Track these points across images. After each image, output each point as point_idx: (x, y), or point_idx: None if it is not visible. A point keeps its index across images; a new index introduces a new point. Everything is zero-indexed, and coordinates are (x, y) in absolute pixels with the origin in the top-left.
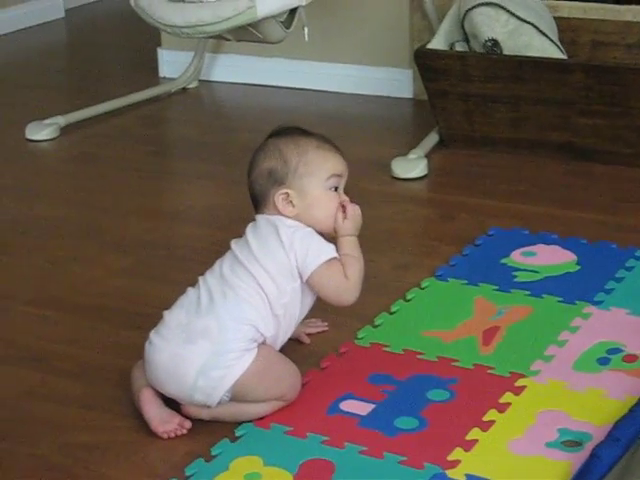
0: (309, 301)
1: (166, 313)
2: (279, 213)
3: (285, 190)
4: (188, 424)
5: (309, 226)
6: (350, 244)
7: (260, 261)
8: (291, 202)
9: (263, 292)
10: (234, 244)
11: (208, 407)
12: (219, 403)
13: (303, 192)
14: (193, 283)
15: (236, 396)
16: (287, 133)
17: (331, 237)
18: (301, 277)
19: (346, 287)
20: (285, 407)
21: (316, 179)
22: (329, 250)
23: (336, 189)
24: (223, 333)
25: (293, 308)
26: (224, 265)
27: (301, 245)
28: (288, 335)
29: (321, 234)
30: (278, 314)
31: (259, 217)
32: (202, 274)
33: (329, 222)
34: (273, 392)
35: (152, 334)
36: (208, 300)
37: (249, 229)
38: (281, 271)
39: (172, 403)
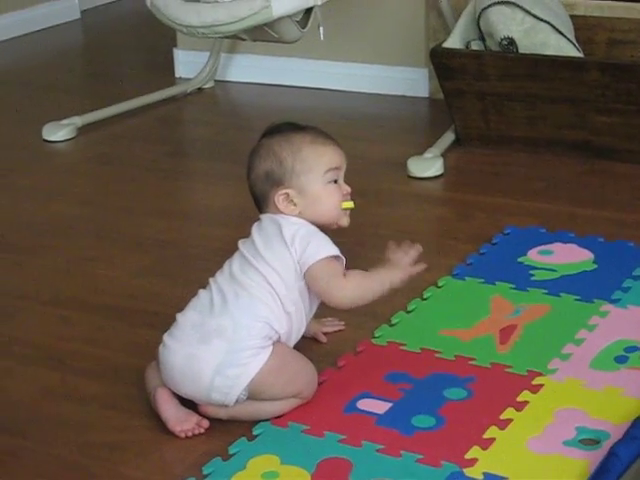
0: (317, 298)
1: (179, 315)
2: (282, 212)
3: (284, 190)
4: (206, 423)
5: (314, 221)
6: (386, 275)
7: (267, 259)
8: (292, 201)
9: (273, 290)
10: (241, 244)
11: (226, 406)
12: (236, 402)
13: (303, 190)
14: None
15: (253, 394)
16: (279, 131)
17: (335, 227)
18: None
19: (341, 286)
20: (302, 406)
21: (314, 175)
22: (330, 248)
23: (335, 182)
24: (238, 331)
25: (303, 304)
26: (233, 265)
27: (301, 241)
28: (301, 332)
29: (324, 229)
30: (289, 311)
31: (263, 216)
32: None
33: (333, 214)
34: (290, 389)
35: (165, 337)
36: (221, 300)
37: (255, 228)
38: (286, 269)
39: (189, 402)
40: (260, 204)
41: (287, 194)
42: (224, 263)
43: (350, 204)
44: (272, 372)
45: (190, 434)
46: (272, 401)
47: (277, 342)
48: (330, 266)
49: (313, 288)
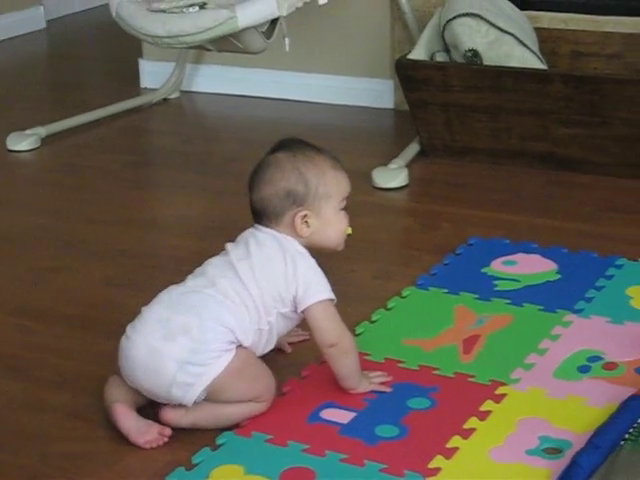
0: (295, 323)
1: (144, 309)
2: (292, 232)
3: (305, 212)
4: (168, 431)
5: (319, 245)
6: (362, 373)
7: (256, 276)
8: (307, 222)
9: (249, 305)
10: (232, 248)
11: (184, 407)
12: (194, 403)
13: (319, 213)
14: None
15: (211, 395)
16: (299, 149)
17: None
18: (295, 306)
19: (341, 332)
20: (266, 415)
21: (333, 201)
22: (329, 290)
23: (343, 209)
24: (203, 333)
25: (278, 327)
26: (213, 267)
27: (305, 277)
28: (270, 347)
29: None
30: (262, 328)
31: (266, 231)
32: None
33: (339, 240)
34: (249, 392)
35: (129, 329)
36: (191, 299)
37: (252, 240)
38: (273, 294)
39: (148, 414)
40: (267, 218)
41: (306, 215)
42: (204, 262)
43: (350, 230)
44: (233, 374)
45: (155, 444)
46: (231, 404)
47: (240, 348)
48: (330, 310)
49: (314, 327)
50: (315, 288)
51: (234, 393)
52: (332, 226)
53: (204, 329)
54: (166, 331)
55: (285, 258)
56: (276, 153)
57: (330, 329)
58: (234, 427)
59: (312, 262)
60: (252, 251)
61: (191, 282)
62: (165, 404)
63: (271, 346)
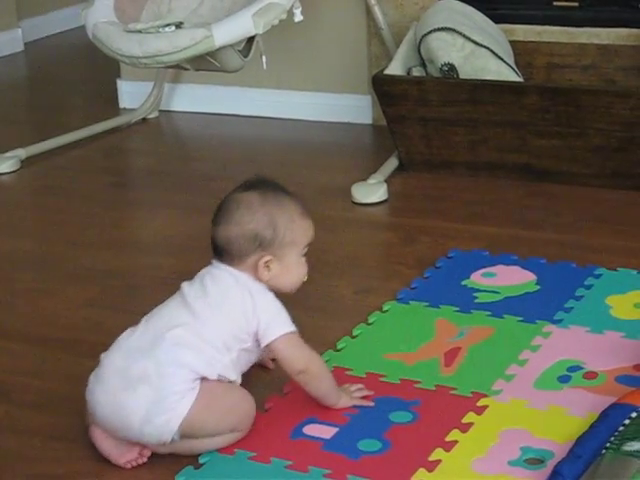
0: (259, 355)
1: (103, 356)
2: (252, 274)
3: (269, 257)
4: (148, 452)
5: (275, 288)
6: (340, 392)
7: (214, 315)
8: (268, 267)
9: (208, 343)
10: (187, 287)
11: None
12: (172, 441)
13: (282, 259)
14: None
15: (187, 434)
16: (270, 191)
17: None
18: (258, 341)
19: (309, 358)
20: (248, 432)
21: (297, 248)
22: (289, 323)
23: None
24: (162, 378)
25: (239, 362)
26: (170, 308)
27: (265, 313)
28: (246, 367)
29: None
30: (225, 363)
31: (223, 269)
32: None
33: (295, 285)
34: (224, 425)
35: (91, 379)
36: (148, 342)
37: (208, 277)
38: (234, 331)
39: None
40: (226, 256)
41: (270, 260)
42: (161, 304)
43: (305, 277)
44: (202, 411)
45: (135, 464)
46: (209, 438)
47: (204, 380)
48: (295, 340)
49: (277, 356)
50: (276, 322)
51: (208, 429)
52: (292, 272)
53: (162, 374)
54: (126, 382)
55: (243, 294)
56: (247, 192)
57: (296, 357)
58: None
59: (270, 296)
60: (208, 289)
61: (146, 325)
62: None
63: (243, 371)
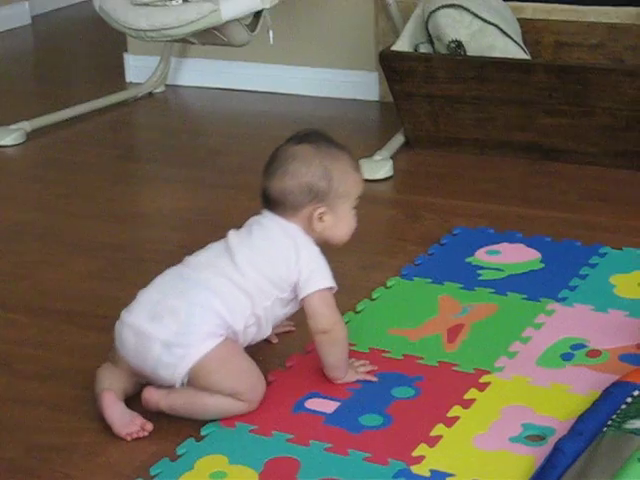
0: (291, 311)
1: (140, 292)
2: (305, 225)
3: (324, 208)
4: (150, 426)
5: (326, 240)
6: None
7: (256, 260)
8: (321, 218)
9: (244, 290)
10: (233, 234)
11: (167, 389)
12: (181, 385)
13: (335, 211)
14: None
15: (193, 380)
16: (323, 144)
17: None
18: (296, 292)
19: (336, 321)
20: None
21: (349, 200)
22: (330, 278)
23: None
24: (189, 317)
25: (273, 313)
26: (211, 251)
27: (308, 265)
28: (263, 335)
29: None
30: (257, 313)
31: (272, 219)
32: None
33: (345, 238)
34: (229, 384)
35: (123, 312)
36: (183, 283)
37: (256, 226)
38: (273, 279)
39: (135, 405)
40: (280, 208)
41: (324, 212)
42: (205, 247)
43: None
44: (216, 361)
45: (135, 436)
46: (210, 394)
47: (230, 339)
48: (330, 299)
49: (307, 310)
50: (318, 276)
51: (215, 381)
52: (344, 223)
53: (191, 313)
54: (154, 313)
55: (290, 244)
56: (300, 145)
57: (326, 315)
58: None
59: (316, 250)
60: (255, 236)
61: (186, 266)
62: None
63: (264, 334)
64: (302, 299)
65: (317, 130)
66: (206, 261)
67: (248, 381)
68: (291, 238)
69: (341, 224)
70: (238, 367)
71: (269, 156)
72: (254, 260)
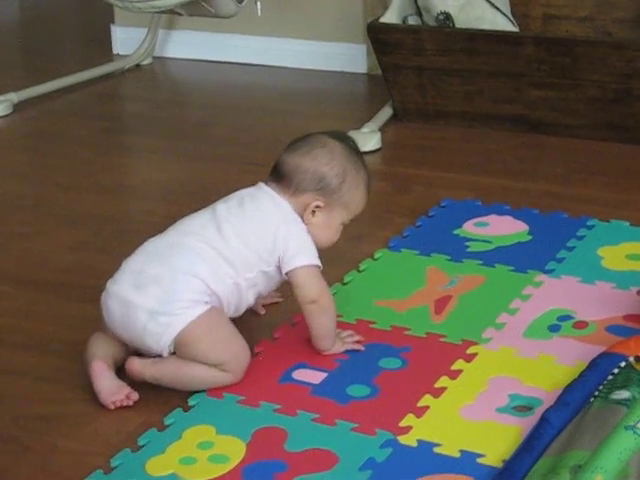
0: (275, 285)
1: (124, 261)
2: (299, 211)
3: (322, 204)
4: (135, 396)
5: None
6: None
7: (242, 231)
8: (315, 212)
9: (226, 258)
10: (221, 203)
11: (151, 358)
12: (167, 354)
13: (329, 214)
14: None
15: (178, 348)
16: (354, 151)
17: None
18: (280, 266)
19: (323, 290)
20: None
21: (346, 212)
22: (316, 257)
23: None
24: (174, 284)
25: (255, 285)
26: (196, 219)
27: (296, 241)
28: (245, 306)
29: None
30: (239, 282)
31: (268, 192)
32: None
33: (323, 245)
34: (215, 354)
35: (108, 282)
36: (167, 249)
37: (248, 198)
38: (260, 252)
39: (124, 375)
40: (283, 181)
41: (320, 207)
42: (192, 214)
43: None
44: (202, 329)
45: (119, 404)
46: (195, 364)
47: (215, 307)
48: (316, 273)
49: (298, 288)
50: (304, 253)
51: (200, 350)
52: (329, 231)
53: (175, 280)
54: (139, 282)
55: (280, 219)
56: (334, 140)
57: (312, 286)
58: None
59: (305, 229)
60: (245, 208)
61: (170, 234)
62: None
63: (247, 305)
64: (288, 272)
65: (355, 141)
66: (190, 229)
67: (232, 350)
68: (282, 213)
69: (326, 230)
70: (223, 336)
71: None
72: (241, 231)
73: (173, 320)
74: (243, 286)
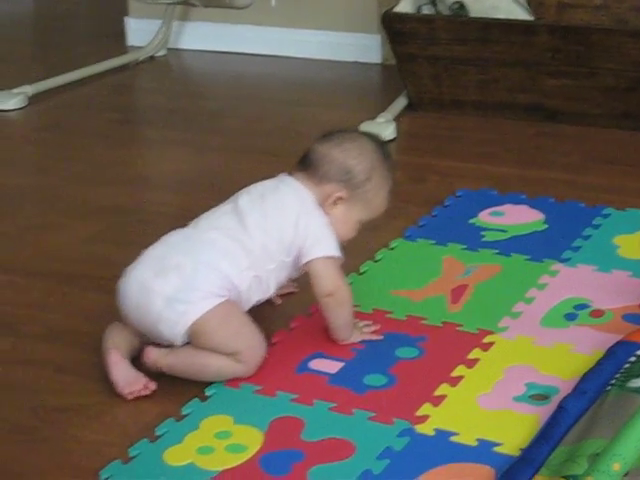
0: (294, 274)
1: (144, 250)
2: (321, 200)
3: (344, 195)
4: (153, 385)
5: None
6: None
7: (265, 222)
8: (336, 203)
9: (249, 251)
10: (243, 193)
11: (167, 348)
12: (181, 344)
13: (350, 208)
14: None
15: (193, 337)
16: (384, 154)
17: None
18: (299, 257)
19: (340, 283)
20: None
21: (366, 212)
22: (336, 248)
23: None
24: (194, 274)
25: (277, 276)
26: (221, 211)
27: (316, 231)
28: (266, 296)
29: None
30: (260, 275)
31: (290, 184)
32: None
33: (340, 240)
34: (229, 343)
35: (127, 268)
36: (189, 240)
37: (271, 190)
38: (282, 243)
39: (140, 366)
40: (310, 169)
41: (342, 199)
42: (214, 208)
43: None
44: (216, 319)
45: (136, 395)
46: (209, 354)
47: (230, 300)
48: (335, 265)
49: (311, 273)
50: (324, 244)
51: (214, 340)
52: (346, 226)
53: (196, 270)
54: (159, 268)
55: (301, 210)
56: (368, 139)
57: (329, 278)
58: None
59: (326, 220)
60: (268, 200)
61: (193, 227)
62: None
63: (267, 295)
64: (306, 263)
65: (386, 145)
66: (214, 223)
67: (247, 341)
68: (303, 204)
69: (344, 224)
70: (238, 327)
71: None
72: (263, 224)
73: (189, 308)
74: (264, 278)
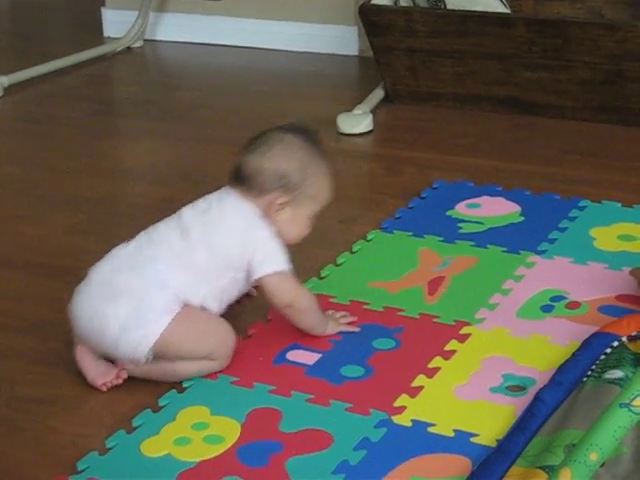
0: (250, 286)
1: (90, 270)
2: (265, 211)
3: (287, 200)
4: (125, 374)
5: (276, 234)
6: (327, 319)
7: (211, 241)
8: (281, 209)
9: (195, 268)
10: (187, 209)
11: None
12: (146, 362)
13: (296, 208)
14: None
15: (160, 354)
16: (311, 142)
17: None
18: (249, 273)
19: (297, 292)
20: (231, 357)
21: (314, 205)
22: (285, 261)
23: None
24: (145, 294)
25: (229, 292)
26: (166, 227)
27: (263, 247)
28: (229, 302)
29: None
30: (211, 290)
31: (232, 198)
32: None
33: (293, 241)
34: (198, 350)
35: (75, 292)
36: (137, 259)
37: (215, 203)
38: (228, 259)
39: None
40: (245, 185)
41: (285, 203)
42: (157, 222)
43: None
44: (178, 332)
45: (110, 385)
46: (182, 361)
47: (185, 306)
48: (287, 277)
49: (265, 290)
50: (272, 259)
51: (182, 351)
52: (298, 225)
53: (145, 291)
54: (109, 292)
55: (245, 225)
56: (290, 134)
57: (285, 291)
58: None
59: (272, 233)
60: (212, 213)
61: (138, 243)
62: None
63: (230, 301)
64: (258, 279)
65: (310, 129)
66: (157, 238)
67: (216, 338)
68: (248, 219)
69: (295, 224)
70: (202, 329)
71: (256, 134)
72: (207, 239)
73: (148, 331)
74: (217, 292)
